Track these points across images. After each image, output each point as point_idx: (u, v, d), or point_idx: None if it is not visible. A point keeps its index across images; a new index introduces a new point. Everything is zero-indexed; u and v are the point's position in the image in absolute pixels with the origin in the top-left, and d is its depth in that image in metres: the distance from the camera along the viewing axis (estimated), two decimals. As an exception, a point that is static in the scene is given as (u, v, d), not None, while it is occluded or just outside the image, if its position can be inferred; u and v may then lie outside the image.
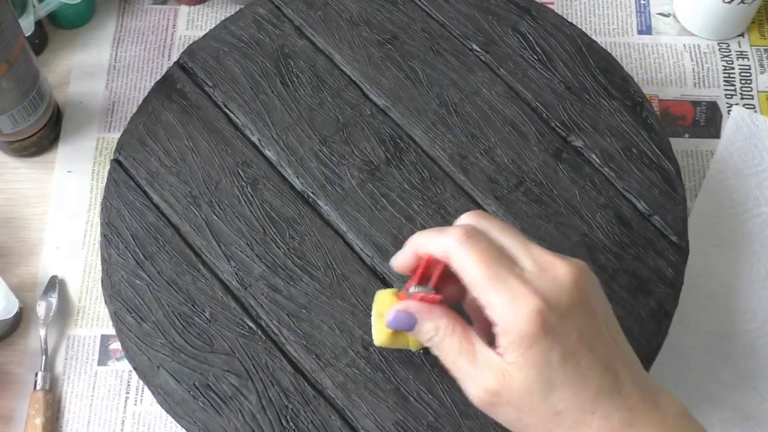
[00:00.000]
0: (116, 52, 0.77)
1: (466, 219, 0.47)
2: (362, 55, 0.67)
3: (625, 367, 0.44)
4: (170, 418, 0.61)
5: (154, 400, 0.61)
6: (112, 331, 0.65)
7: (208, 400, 0.56)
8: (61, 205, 0.70)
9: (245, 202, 0.62)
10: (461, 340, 0.45)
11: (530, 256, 0.45)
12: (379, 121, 0.64)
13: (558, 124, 0.64)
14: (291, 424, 0.55)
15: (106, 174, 0.69)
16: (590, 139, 0.63)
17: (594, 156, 0.63)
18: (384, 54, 0.67)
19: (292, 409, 0.56)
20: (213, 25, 0.72)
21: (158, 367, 0.57)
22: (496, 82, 0.66)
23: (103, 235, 0.62)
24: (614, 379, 0.44)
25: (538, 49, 0.67)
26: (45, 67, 0.75)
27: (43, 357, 0.64)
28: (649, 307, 0.58)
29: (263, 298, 0.59)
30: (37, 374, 0.63)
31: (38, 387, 0.62)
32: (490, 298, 0.43)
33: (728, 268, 0.67)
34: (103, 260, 0.61)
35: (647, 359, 0.57)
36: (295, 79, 0.66)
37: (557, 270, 0.44)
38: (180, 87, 0.66)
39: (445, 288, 0.48)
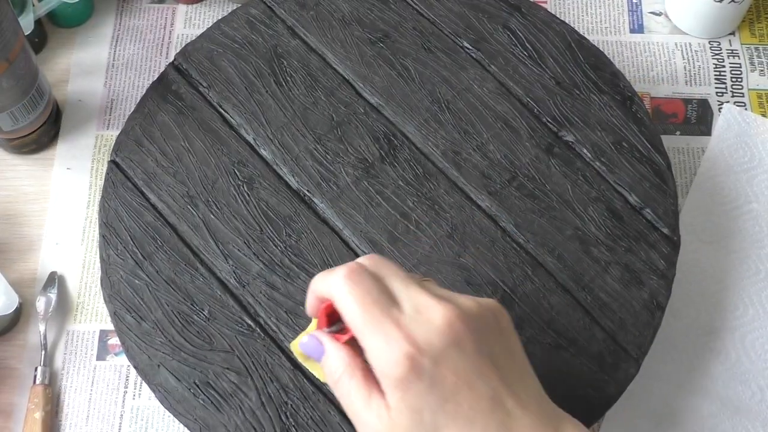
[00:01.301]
0: (115, 51, 0.77)
1: (360, 260, 0.47)
2: (355, 54, 0.67)
3: (517, 402, 0.44)
4: (168, 413, 0.62)
5: (153, 394, 0.61)
6: (110, 326, 0.65)
7: (208, 398, 0.57)
8: (60, 202, 0.70)
9: (242, 201, 0.62)
10: (360, 382, 0.45)
11: (409, 297, 0.45)
12: (373, 119, 0.65)
13: (549, 120, 0.65)
14: (291, 420, 0.56)
15: (104, 171, 0.70)
16: (581, 133, 0.64)
17: (585, 150, 0.64)
18: (376, 52, 0.67)
19: (291, 405, 0.57)
20: (211, 24, 0.72)
21: (158, 365, 0.58)
22: (487, 78, 0.66)
23: (102, 236, 0.62)
24: (504, 416, 0.43)
25: (528, 45, 0.68)
26: (44, 66, 0.76)
27: (43, 352, 0.64)
28: (642, 299, 0.59)
29: (261, 296, 0.60)
30: (36, 369, 0.63)
31: (37, 381, 0.63)
32: (366, 341, 0.44)
33: (719, 264, 0.68)
34: (102, 260, 0.62)
35: (641, 351, 0.58)
36: (288, 78, 0.67)
37: (431, 313, 0.44)
38: (175, 88, 0.67)
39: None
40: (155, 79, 0.68)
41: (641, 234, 0.61)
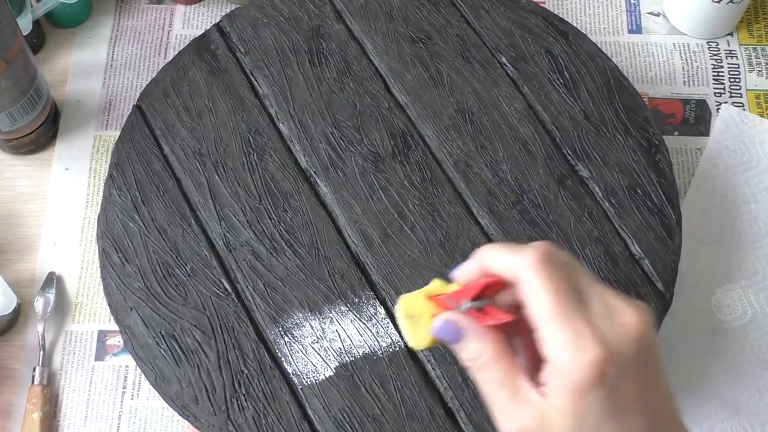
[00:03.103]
0: (113, 51, 0.78)
1: (542, 244, 0.43)
2: (393, 49, 0.68)
3: (669, 420, 0.43)
4: (166, 412, 0.63)
5: (150, 395, 0.63)
6: (109, 326, 0.66)
7: (170, 350, 0.58)
8: (59, 202, 0.71)
9: (249, 168, 0.63)
10: (505, 372, 0.42)
11: (599, 296, 0.42)
12: (395, 115, 0.65)
13: (569, 151, 0.64)
14: (242, 388, 0.57)
15: (103, 171, 0.71)
16: (597, 171, 0.63)
17: (597, 188, 0.63)
18: (414, 52, 0.67)
19: (247, 374, 0.57)
20: (209, 25, 0.73)
21: (131, 308, 0.59)
22: (517, 98, 0.66)
23: (109, 174, 0.64)
24: None
25: (566, 74, 0.67)
26: (43, 66, 0.76)
27: (41, 352, 0.65)
28: (618, 348, 0.58)
29: (244, 264, 0.60)
30: (34, 369, 0.64)
31: (36, 382, 0.63)
32: (553, 334, 0.41)
33: (717, 264, 0.68)
34: (104, 197, 0.63)
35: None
36: (323, 60, 0.67)
37: (625, 317, 0.41)
38: (213, 48, 0.68)
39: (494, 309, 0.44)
40: (198, 35, 0.69)
41: (633, 284, 0.60)
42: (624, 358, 0.40)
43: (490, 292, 0.44)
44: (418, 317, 0.46)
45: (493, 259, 0.43)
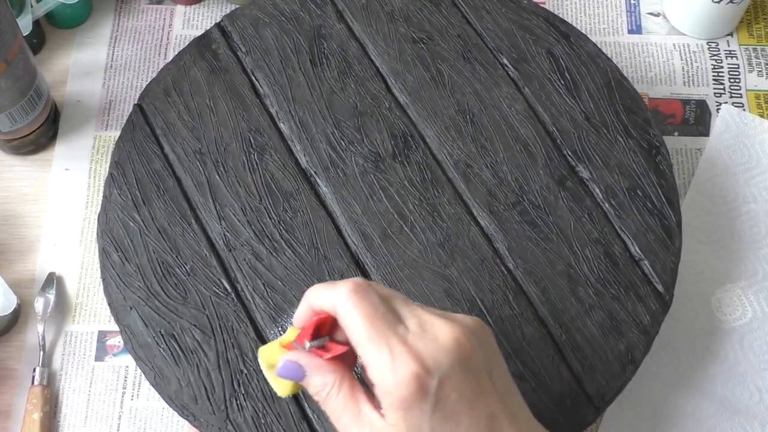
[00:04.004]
0: (113, 52, 0.77)
1: (356, 278, 0.46)
2: (394, 50, 0.68)
3: (512, 422, 0.44)
4: (166, 412, 0.63)
5: (150, 395, 0.63)
6: (109, 327, 0.66)
7: (169, 349, 0.58)
8: (59, 203, 0.71)
9: (249, 168, 0.63)
10: (347, 397, 0.44)
11: (413, 315, 0.44)
12: (395, 115, 0.65)
13: (569, 152, 0.64)
14: (242, 388, 0.57)
15: (103, 172, 0.71)
16: (598, 172, 0.63)
17: (597, 190, 0.63)
18: (415, 52, 0.67)
19: (246, 374, 0.57)
20: (209, 25, 0.73)
21: (131, 308, 0.59)
22: (518, 99, 0.66)
23: (110, 173, 0.64)
24: None
25: (567, 75, 0.67)
26: (43, 66, 0.76)
27: (41, 353, 0.65)
28: (617, 350, 0.58)
29: (244, 263, 0.60)
30: (34, 370, 0.64)
31: (36, 382, 0.63)
32: (370, 358, 0.43)
33: (717, 264, 0.68)
34: (104, 197, 0.63)
35: (603, 400, 0.57)
36: (324, 60, 0.67)
37: (438, 330, 0.43)
38: (215, 47, 0.68)
39: (344, 344, 0.47)
40: (199, 35, 0.69)
41: (633, 285, 0.60)
42: (441, 370, 0.42)
43: (327, 329, 0.47)
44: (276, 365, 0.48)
45: (315, 297, 0.46)
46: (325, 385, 0.45)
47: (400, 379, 0.42)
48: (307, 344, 0.46)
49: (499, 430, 0.43)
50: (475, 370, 0.44)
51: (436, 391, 0.42)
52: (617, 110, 0.65)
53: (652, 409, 0.63)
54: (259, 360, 0.49)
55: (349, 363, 0.46)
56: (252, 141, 0.64)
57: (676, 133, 0.74)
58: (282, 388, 0.48)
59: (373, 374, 0.43)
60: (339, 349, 0.46)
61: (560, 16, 0.74)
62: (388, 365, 0.42)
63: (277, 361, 0.48)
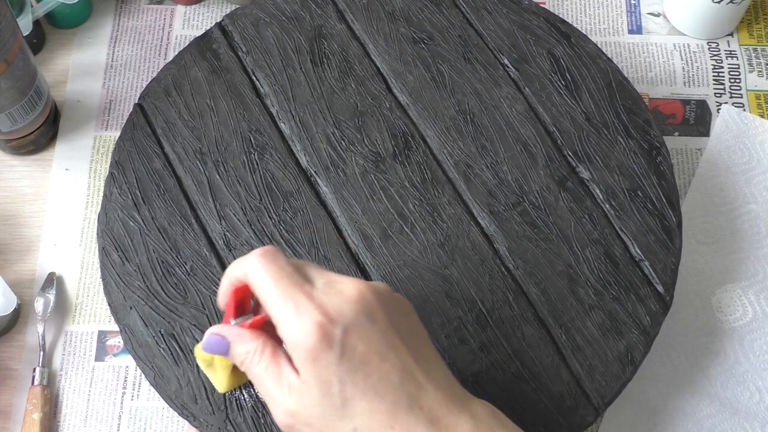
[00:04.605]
0: (113, 52, 0.77)
1: (265, 247, 0.47)
2: (395, 50, 0.68)
3: (428, 378, 0.44)
4: (166, 412, 0.63)
5: (151, 395, 0.63)
6: (109, 327, 0.66)
7: (169, 349, 0.58)
8: (59, 203, 0.71)
9: (249, 168, 0.63)
10: (269, 361, 0.45)
11: (322, 275, 0.46)
12: (396, 116, 0.65)
13: (569, 153, 0.64)
14: (241, 388, 0.57)
15: (103, 172, 0.71)
16: (598, 173, 0.63)
17: (598, 190, 0.63)
18: (416, 52, 0.67)
19: (246, 373, 0.57)
20: (209, 25, 0.72)
21: (131, 307, 0.59)
22: (518, 99, 0.66)
23: (110, 173, 0.64)
24: (414, 390, 0.43)
25: (567, 75, 0.67)
26: (43, 66, 0.76)
27: (41, 353, 0.65)
28: (617, 350, 0.58)
29: (244, 263, 0.60)
30: (35, 370, 0.64)
31: (36, 382, 0.63)
32: (278, 314, 0.44)
33: (717, 265, 0.68)
34: (105, 196, 0.63)
35: (603, 401, 0.57)
36: (325, 60, 0.67)
37: (343, 286, 0.45)
38: (215, 47, 0.68)
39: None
40: (200, 34, 0.69)
41: (633, 285, 0.60)
42: (344, 319, 0.43)
43: (248, 306, 0.49)
44: (212, 361, 0.50)
45: (230, 270, 0.48)
46: (248, 352, 0.46)
47: (304, 329, 0.43)
48: (232, 321, 0.48)
49: (414, 383, 0.44)
50: (381, 323, 0.44)
51: (341, 340, 0.43)
52: (618, 111, 0.65)
53: (652, 409, 0.63)
54: (196, 358, 0.50)
55: (273, 335, 0.47)
56: (252, 141, 0.64)
57: (676, 134, 0.74)
58: (220, 382, 0.50)
59: (282, 330, 0.44)
60: (259, 317, 0.47)
61: (560, 16, 0.74)
62: (293, 318, 0.43)
63: (211, 358, 0.50)
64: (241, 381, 0.50)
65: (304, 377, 0.43)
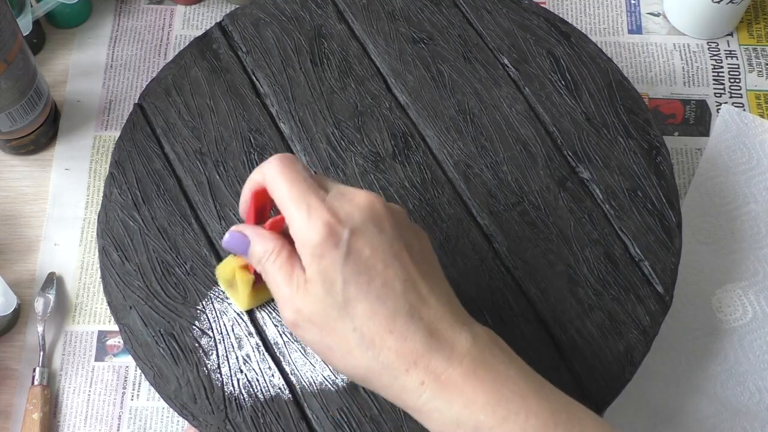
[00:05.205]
0: (113, 52, 0.77)
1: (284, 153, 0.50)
2: (395, 49, 0.68)
3: (431, 291, 0.45)
4: (166, 412, 0.64)
5: (151, 395, 0.64)
6: (109, 327, 0.66)
7: (168, 348, 0.58)
8: (59, 203, 0.71)
9: (249, 168, 0.63)
10: (284, 262, 0.46)
11: (337, 186, 0.47)
12: (396, 116, 0.65)
13: (569, 153, 0.64)
14: (242, 389, 0.57)
15: (103, 172, 0.71)
16: (598, 173, 0.63)
17: (598, 190, 0.63)
18: (416, 52, 0.67)
19: (245, 373, 0.57)
20: (209, 25, 0.72)
21: (131, 307, 0.59)
22: (518, 99, 0.66)
23: (110, 172, 0.64)
24: (416, 300, 0.45)
25: (567, 75, 0.67)
26: (43, 66, 0.76)
27: (41, 353, 0.65)
28: (616, 350, 0.58)
29: (244, 263, 0.60)
30: (34, 370, 0.64)
31: (36, 382, 0.63)
32: (291, 214, 0.46)
33: (717, 265, 0.68)
34: (105, 196, 0.63)
35: (602, 401, 0.57)
36: (325, 60, 0.67)
37: (355, 194, 0.46)
38: (215, 47, 0.68)
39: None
40: (200, 34, 0.69)
41: (633, 286, 0.60)
42: (352, 222, 0.45)
43: (267, 214, 0.52)
44: (234, 279, 0.53)
45: (252, 175, 0.50)
46: (265, 251, 0.47)
47: (313, 227, 0.44)
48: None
49: (416, 294, 0.45)
50: (388, 233, 0.46)
51: (347, 241, 0.44)
52: (618, 111, 0.65)
53: (652, 409, 0.63)
54: (218, 278, 0.52)
55: (292, 242, 0.48)
56: (252, 141, 0.64)
57: (676, 133, 0.74)
58: (242, 299, 0.52)
59: (294, 230, 0.46)
60: (278, 218, 0.49)
61: (560, 16, 0.74)
62: (304, 218, 0.45)
63: (232, 275, 0.52)
64: (261, 299, 0.52)
65: (310, 274, 0.45)
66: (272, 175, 0.47)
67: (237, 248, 0.49)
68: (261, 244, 0.48)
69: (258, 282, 0.55)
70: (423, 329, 0.44)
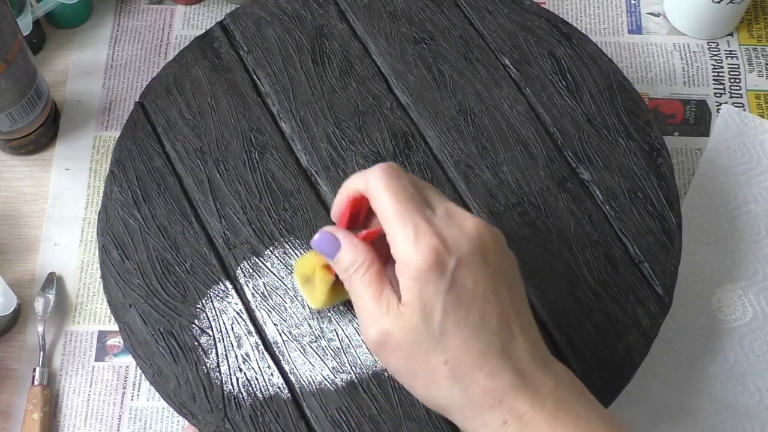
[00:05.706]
0: (113, 52, 0.77)
1: (389, 162, 0.48)
2: (396, 50, 0.68)
3: (521, 328, 0.44)
4: (166, 412, 0.64)
5: (151, 395, 0.64)
6: (109, 327, 0.66)
7: (168, 347, 0.58)
8: (59, 203, 0.71)
9: (250, 167, 0.63)
10: (374, 277, 0.45)
11: (443, 204, 0.46)
12: (397, 115, 0.65)
13: (570, 154, 0.64)
14: (241, 389, 0.57)
15: (103, 172, 0.71)
16: (598, 174, 0.63)
17: (598, 192, 0.63)
18: (417, 52, 0.67)
19: (244, 372, 0.57)
20: (209, 25, 0.72)
21: (130, 305, 0.59)
22: (519, 100, 0.66)
23: (111, 171, 0.64)
24: (507, 338, 0.44)
25: (568, 76, 0.67)
26: (43, 66, 0.76)
27: (41, 353, 0.65)
28: (616, 352, 0.58)
29: (244, 262, 0.60)
30: (35, 370, 0.64)
31: (36, 382, 0.63)
32: (395, 232, 0.44)
33: (717, 264, 0.68)
34: (105, 194, 0.63)
35: (602, 403, 0.57)
36: (326, 59, 0.67)
37: (464, 220, 0.45)
38: (216, 46, 0.68)
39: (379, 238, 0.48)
40: (201, 33, 0.69)
41: (633, 287, 0.60)
42: (460, 251, 0.43)
43: (361, 221, 0.49)
44: (312, 276, 0.51)
45: (350, 181, 0.48)
46: (354, 262, 0.46)
47: (420, 252, 0.43)
48: None
49: (508, 331, 0.44)
50: (493, 267, 0.44)
51: (453, 270, 0.43)
52: (618, 112, 0.65)
53: (652, 409, 0.63)
54: (294, 273, 0.50)
55: (383, 255, 0.47)
56: (253, 140, 0.64)
57: (676, 133, 0.74)
58: (317, 298, 0.50)
59: (396, 249, 0.44)
60: (372, 230, 0.48)
61: (560, 16, 0.74)
62: (411, 240, 0.43)
63: (312, 272, 0.50)
64: (336, 300, 0.50)
65: (408, 299, 0.43)
66: (376, 186, 0.45)
67: (325, 250, 0.47)
68: (351, 253, 0.46)
69: (336, 284, 0.53)
70: (511, 368, 0.43)
